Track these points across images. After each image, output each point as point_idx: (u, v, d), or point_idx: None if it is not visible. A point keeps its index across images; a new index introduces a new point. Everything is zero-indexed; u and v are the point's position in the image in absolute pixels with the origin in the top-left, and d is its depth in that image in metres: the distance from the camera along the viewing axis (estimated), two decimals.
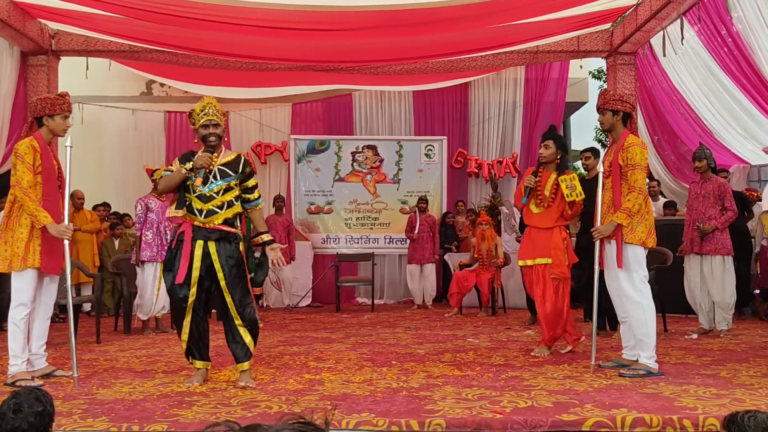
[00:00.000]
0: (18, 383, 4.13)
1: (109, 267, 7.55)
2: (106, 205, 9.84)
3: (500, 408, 3.42)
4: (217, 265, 4.09)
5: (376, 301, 9.91)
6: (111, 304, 9.06)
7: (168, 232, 7.02)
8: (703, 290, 6.32)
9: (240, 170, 4.24)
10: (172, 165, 4.29)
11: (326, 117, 11.25)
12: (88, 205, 9.40)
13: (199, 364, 4.28)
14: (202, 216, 4.12)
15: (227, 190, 4.18)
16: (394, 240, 10.65)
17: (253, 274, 4.69)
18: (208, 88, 10.51)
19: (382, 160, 10.85)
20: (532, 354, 5.18)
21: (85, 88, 9.60)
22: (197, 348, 4.24)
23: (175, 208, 4.19)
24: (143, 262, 6.88)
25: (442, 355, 5.25)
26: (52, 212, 4.31)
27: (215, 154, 4.18)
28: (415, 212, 9.79)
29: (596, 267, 4.53)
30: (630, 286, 4.42)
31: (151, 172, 7.23)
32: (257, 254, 4.65)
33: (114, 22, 7.89)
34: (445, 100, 11.19)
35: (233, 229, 4.19)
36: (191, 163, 4.13)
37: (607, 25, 8.80)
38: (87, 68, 8.99)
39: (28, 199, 4.25)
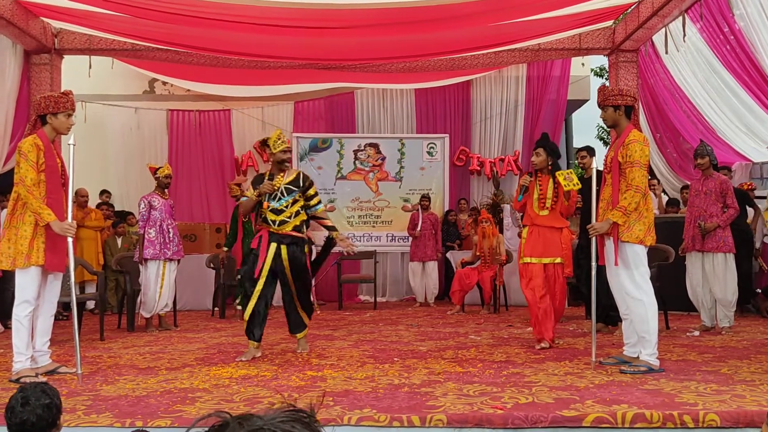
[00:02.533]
0: (22, 380, 4.16)
1: (113, 265, 7.58)
2: (109, 205, 9.90)
3: (501, 404, 3.44)
4: (286, 264, 5.12)
5: (378, 299, 9.93)
6: (114, 301, 9.10)
7: (171, 230, 7.06)
8: (705, 287, 6.33)
9: (301, 185, 5.24)
10: (247, 191, 5.33)
11: (328, 115, 11.27)
12: (92, 203, 9.47)
13: (252, 343, 5.18)
14: (276, 225, 5.14)
15: (294, 202, 5.19)
16: (397, 238, 10.66)
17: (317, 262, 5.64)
18: (211, 86, 10.56)
19: (384, 158, 10.86)
20: (537, 347, 5.35)
21: (88, 87, 9.62)
22: (253, 329, 5.16)
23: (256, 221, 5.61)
24: (146, 260, 6.91)
25: (443, 352, 5.27)
26: (56, 210, 4.34)
27: (281, 175, 5.19)
28: (417, 210, 9.81)
29: (593, 263, 4.54)
30: (631, 284, 4.42)
31: (154, 170, 7.27)
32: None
33: (117, 20, 7.92)
34: (447, 98, 11.20)
35: (301, 234, 5.21)
36: (257, 190, 5.18)
37: (609, 23, 8.80)
38: (90, 67, 9.01)
39: (31, 196, 4.27)
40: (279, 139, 5.22)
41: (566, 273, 5.44)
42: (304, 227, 5.28)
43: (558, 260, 5.40)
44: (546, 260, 5.38)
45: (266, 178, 5.23)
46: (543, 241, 5.37)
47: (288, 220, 5.15)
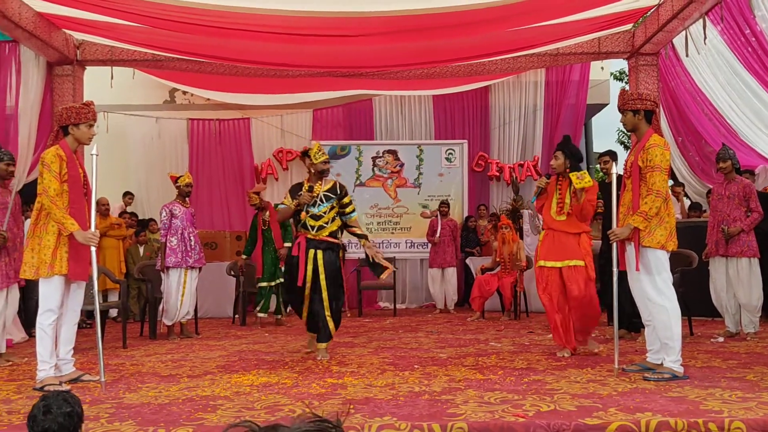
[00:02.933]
0: (46, 388, 4.21)
1: (135, 273, 7.65)
2: (132, 213, 10.02)
3: (523, 412, 3.41)
4: (320, 269, 5.41)
5: (398, 306, 9.92)
6: (137, 309, 9.18)
7: (192, 238, 7.12)
8: (729, 293, 6.24)
9: (338, 192, 5.59)
10: (285, 199, 5.68)
11: (347, 122, 11.31)
12: (114, 205, 9.60)
13: (313, 335, 5.60)
14: (314, 231, 5.47)
15: (331, 209, 5.52)
16: (416, 244, 10.65)
17: (377, 272, 5.77)
18: (231, 95, 10.65)
19: (402, 165, 10.87)
20: (583, 349, 5.34)
21: (110, 97, 9.75)
22: (312, 325, 5.55)
23: (296, 228, 5.73)
24: (168, 268, 6.97)
25: (464, 359, 5.24)
26: (78, 220, 4.39)
27: (319, 183, 5.55)
28: (436, 216, 9.79)
29: (615, 269, 4.49)
30: (653, 290, 4.37)
31: (174, 179, 7.33)
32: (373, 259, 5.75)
33: (137, 31, 8.01)
34: (466, 103, 11.18)
35: (336, 240, 5.54)
36: (296, 200, 5.50)
37: (629, 26, 8.74)
38: (112, 77, 9.13)
39: (55, 207, 4.32)
40: (319, 151, 5.63)
41: (591, 276, 5.18)
42: (340, 233, 5.64)
43: (576, 262, 5.17)
44: (560, 264, 5.22)
45: (305, 187, 5.56)
46: (559, 245, 5.24)
47: (325, 225, 5.50)
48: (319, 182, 5.59)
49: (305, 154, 5.77)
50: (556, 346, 5.48)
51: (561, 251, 5.24)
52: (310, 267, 5.43)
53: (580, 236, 5.26)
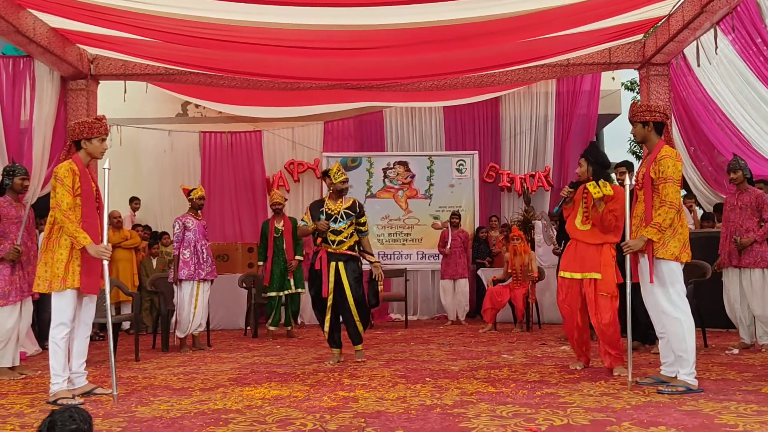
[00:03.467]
0: (59, 401, 4.22)
1: (147, 285, 7.68)
2: (145, 226, 10.08)
3: (535, 426, 3.39)
4: (344, 279, 5.87)
5: (409, 317, 9.90)
6: (149, 322, 9.22)
7: (204, 251, 7.15)
8: (743, 304, 6.19)
9: (357, 210, 6.04)
10: (305, 215, 6.11)
11: (358, 134, 11.35)
12: (126, 224, 9.65)
13: (335, 350, 5.99)
14: (335, 245, 5.92)
15: (349, 225, 5.97)
16: (427, 255, 10.64)
17: (372, 299, 6.12)
18: (242, 108, 10.72)
19: (413, 176, 10.88)
20: (615, 373, 4.93)
21: (123, 111, 9.84)
22: (333, 337, 5.97)
23: (315, 243, 6.14)
24: (181, 281, 7.00)
25: (476, 372, 5.22)
26: (91, 233, 4.42)
27: (340, 201, 6.03)
28: (447, 227, 9.78)
29: (628, 281, 4.46)
30: (666, 302, 4.33)
31: (187, 192, 7.38)
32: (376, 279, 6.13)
33: (150, 46, 8.09)
34: (476, 114, 11.20)
35: (354, 253, 6.01)
36: (315, 225, 5.96)
37: (639, 37, 8.73)
38: (125, 91, 9.22)
39: (67, 221, 4.35)
40: (339, 171, 6.10)
41: (602, 290, 4.93)
42: (357, 247, 6.10)
43: (594, 275, 5.00)
44: (579, 275, 5.07)
45: (325, 203, 6.06)
46: (580, 256, 5.11)
47: (345, 240, 5.96)
48: (340, 200, 6.05)
49: (326, 173, 6.21)
50: (572, 353, 5.39)
51: (581, 263, 5.08)
52: (332, 278, 5.87)
53: (602, 247, 5.04)
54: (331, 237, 5.94)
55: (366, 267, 6.12)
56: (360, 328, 6.00)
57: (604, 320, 4.91)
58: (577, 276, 5.09)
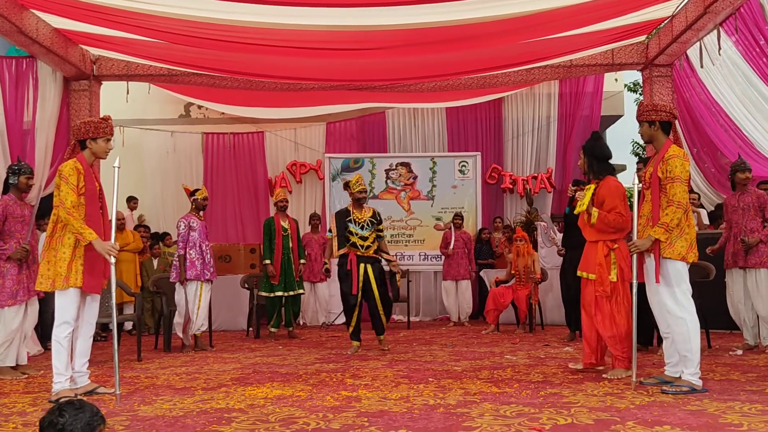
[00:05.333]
0: (61, 401, 4.21)
1: (149, 286, 7.68)
2: (145, 227, 10.07)
3: (539, 425, 3.38)
4: (371, 278, 6.68)
5: (411, 319, 9.89)
6: (151, 323, 9.22)
7: (208, 251, 7.16)
8: (748, 305, 6.17)
9: (377, 219, 6.89)
10: (332, 224, 6.91)
11: (360, 135, 11.35)
12: (127, 225, 9.64)
13: (355, 343, 6.73)
14: (363, 249, 6.73)
15: (372, 232, 6.80)
16: (429, 256, 10.63)
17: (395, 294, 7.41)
18: (244, 109, 10.73)
19: (416, 177, 10.88)
20: (604, 376, 4.85)
21: (126, 112, 9.85)
22: (357, 332, 6.74)
23: (338, 249, 6.79)
24: (187, 281, 6.99)
25: (479, 372, 5.21)
26: (95, 233, 4.41)
27: (363, 210, 6.84)
28: (449, 228, 9.77)
29: (634, 281, 4.44)
30: (672, 302, 4.32)
31: (190, 192, 7.38)
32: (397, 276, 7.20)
33: (153, 46, 8.10)
34: (479, 115, 11.20)
35: (377, 255, 6.85)
36: (326, 265, 7.33)
37: (642, 38, 8.73)
38: (128, 92, 9.23)
39: (72, 218, 4.34)
40: (357, 182, 6.88)
41: (597, 291, 4.87)
42: (378, 252, 6.94)
43: (590, 276, 4.95)
44: (584, 274, 5.02)
45: (351, 212, 6.82)
46: (586, 255, 5.06)
47: (371, 245, 6.78)
48: (362, 209, 6.85)
49: (347, 185, 6.98)
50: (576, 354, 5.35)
51: (585, 261, 5.04)
52: (361, 278, 6.64)
53: (597, 245, 4.96)
54: (359, 242, 6.74)
55: (385, 267, 6.92)
56: (384, 320, 6.77)
57: (603, 331, 4.88)
58: (583, 275, 5.05)
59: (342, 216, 6.82)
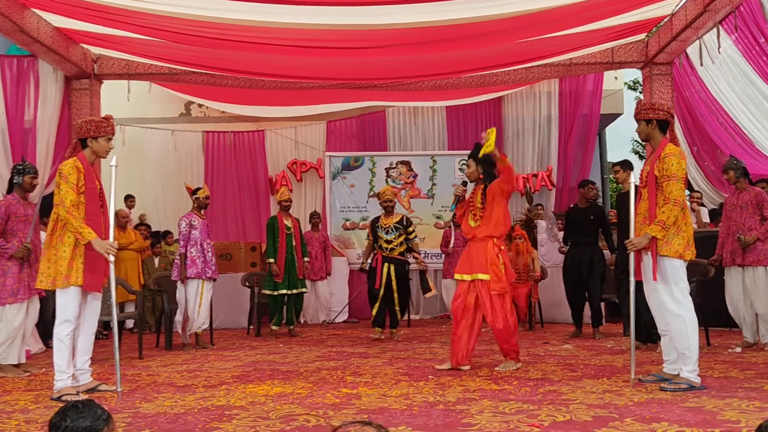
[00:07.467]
0: (63, 398, 4.24)
1: (151, 284, 7.71)
2: (146, 226, 10.09)
3: (538, 422, 3.40)
4: (392, 277, 7.60)
5: (411, 317, 9.91)
6: (152, 321, 9.24)
7: (210, 250, 7.19)
8: (746, 302, 6.19)
9: (404, 224, 7.76)
10: (367, 231, 8.11)
11: (360, 134, 11.37)
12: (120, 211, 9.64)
13: (377, 330, 7.68)
14: (388, 251, 7.65)
15: (398, 236, 7.68)
16: (429, 255, 10.63)
17: (424, 289, 8.37)
18: (245, 108, 10.74)
19: (416, 176, 10.89)
20: (496, 369, 5.16)
21: (127, 110, 9.85)
22: (378, 320, 7.66)
23: (371, 250, 7.88)
24: (188, 279, 7.01)
25: (478, 369, 5.23)
26: (95, 231, 4.43)
27: (391, 217, 7.77)
28: (450, 227, 9.79)
29: (632, 279, 4.47)
30: (670, 299, 4.34)
31: (191, 191, 7.41)
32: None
33: (154, 45, 8.11)
34: (479, 114, 11.21)
35: (403, 258, 7.75)
36: (362, 265, 8.35)
37: (642, 36, 8.73)
38: (128, 91, 9.24)
39: (71, 217, 4.36)
40: (385, 192, 7.88)
41: (494, 289, 5.12)
42: (406, 253, 7.81)
43: (483, 276, 5.17)
44: (469, 277, 5.26)
45: (380, 219, 7.79)
46: (470, 256, 5.30)
47: (396, 247, 7.66)
48: (390, 216, 7.75)
49: (378, 195, 7.99)
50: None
51: (470, 264, 5.29)
52: (384, 276, 7.54)
53: (486, 243, 5.24)
54: (385, 245, 7.66)
55: (414, 265, 8.04)
56: (398, 315, 7.77)
57: (497, 325, 5.15)
58: (467, 278, 5.29)
59: (373, 223, 7.89)
